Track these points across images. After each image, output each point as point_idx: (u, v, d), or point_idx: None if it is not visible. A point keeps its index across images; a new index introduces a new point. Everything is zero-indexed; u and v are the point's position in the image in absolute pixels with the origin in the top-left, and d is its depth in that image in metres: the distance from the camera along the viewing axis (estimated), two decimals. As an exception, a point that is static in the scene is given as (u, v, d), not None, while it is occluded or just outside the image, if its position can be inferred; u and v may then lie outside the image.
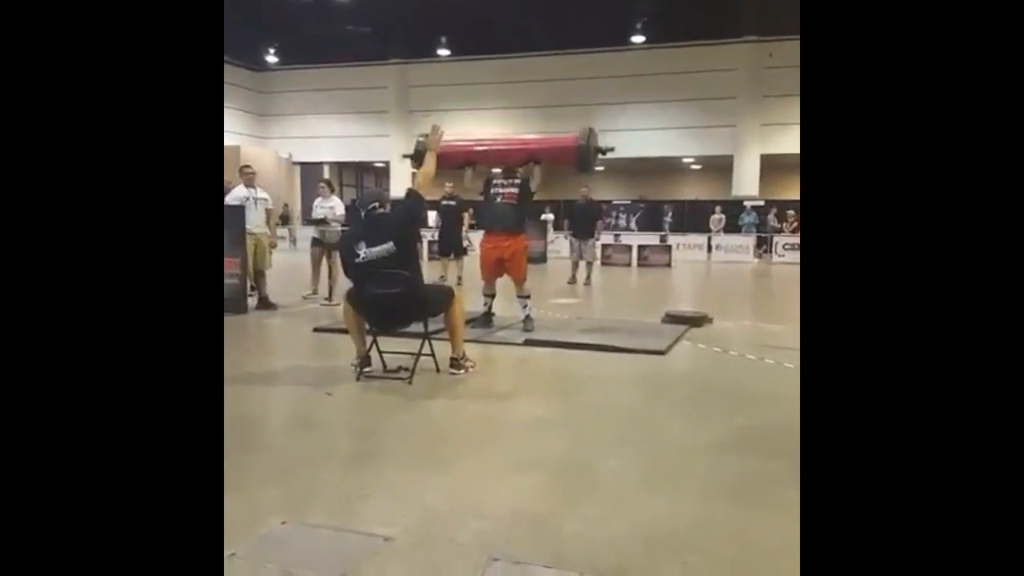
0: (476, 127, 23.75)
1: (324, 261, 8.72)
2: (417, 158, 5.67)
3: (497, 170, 6.45)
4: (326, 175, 26.51)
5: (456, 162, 6.44)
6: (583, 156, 6.07)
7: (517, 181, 6.24)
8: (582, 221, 11.69)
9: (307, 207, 18.03)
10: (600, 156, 6.42)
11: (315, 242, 8.94)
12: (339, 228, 8.59)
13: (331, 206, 8.92)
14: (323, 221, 8.81)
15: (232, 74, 23.68)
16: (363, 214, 4.61)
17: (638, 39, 21.37)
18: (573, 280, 11.66)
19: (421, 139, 5.87)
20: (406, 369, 4.47)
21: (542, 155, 6.38)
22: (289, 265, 9.92)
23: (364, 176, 30.11)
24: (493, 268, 6.35)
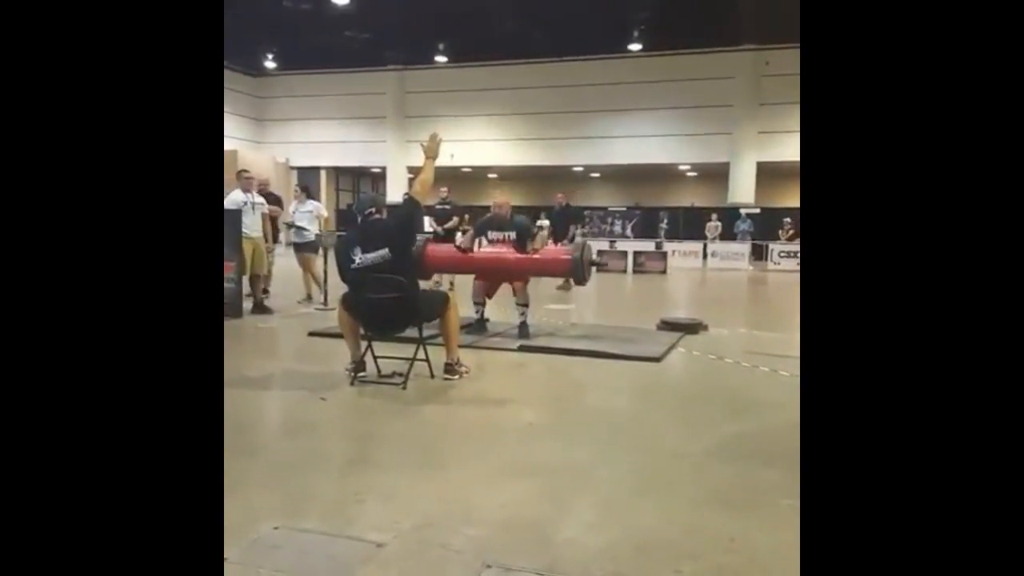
0: (473, 133, 23.90)
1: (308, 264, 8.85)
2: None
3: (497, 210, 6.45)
4: (322, 180, 26.52)
5: (451, 266, 6.67)
6: (576, 269, 6.19)
7: (512, 235, 6.22)
8: (559, 225, 12.65)
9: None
10: (593, 269, 6.59)
11: (297, 247, 9.03)
12: (314, 232, 8.81)
13: (309, 210, 8.98)
14: (297, 226, 8.94)
15: (231, 79, 23.67)
16: (359, 219, 4.61)
17: (635, 46, 21.44)
18: (566, 285, 11.64)
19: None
20: (400, 374, 4.46)
21: (538, 271, 6.52)
22: (285, 270, 9.91)
23: (361, 181, 30.12)
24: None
